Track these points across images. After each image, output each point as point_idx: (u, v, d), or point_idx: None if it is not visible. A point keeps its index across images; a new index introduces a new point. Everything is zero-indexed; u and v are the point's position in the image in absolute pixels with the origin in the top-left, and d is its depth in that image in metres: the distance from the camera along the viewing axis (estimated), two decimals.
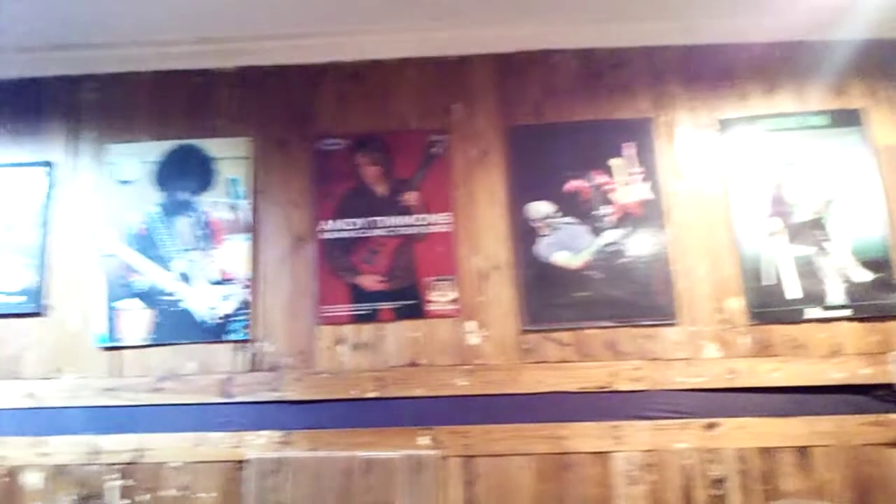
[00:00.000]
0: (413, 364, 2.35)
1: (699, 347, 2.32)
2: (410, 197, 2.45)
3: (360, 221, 2.45)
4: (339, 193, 2.47)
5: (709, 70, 2.53)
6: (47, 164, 2.53)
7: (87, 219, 2.50)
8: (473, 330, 2.37)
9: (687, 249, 2.39)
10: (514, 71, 2.55)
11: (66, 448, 2.32)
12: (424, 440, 2.27)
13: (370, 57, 2.56)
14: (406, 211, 2.44)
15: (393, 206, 2.45)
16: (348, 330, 2.39)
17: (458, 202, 2.45)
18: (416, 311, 2.38)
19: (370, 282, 2.40)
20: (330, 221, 2.45)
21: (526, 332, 2.35)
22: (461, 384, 2.30)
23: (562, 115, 2.50)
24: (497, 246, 2.42)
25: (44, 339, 2.42)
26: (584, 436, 2.25)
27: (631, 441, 2.25)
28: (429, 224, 2.43)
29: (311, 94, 2.56)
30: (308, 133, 2.53)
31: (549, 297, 2.35)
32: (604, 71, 2.54)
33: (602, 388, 2.29)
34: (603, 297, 2.35)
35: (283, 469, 2.25)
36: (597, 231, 2.40)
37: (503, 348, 2.35)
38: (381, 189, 2.47)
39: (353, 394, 2.32)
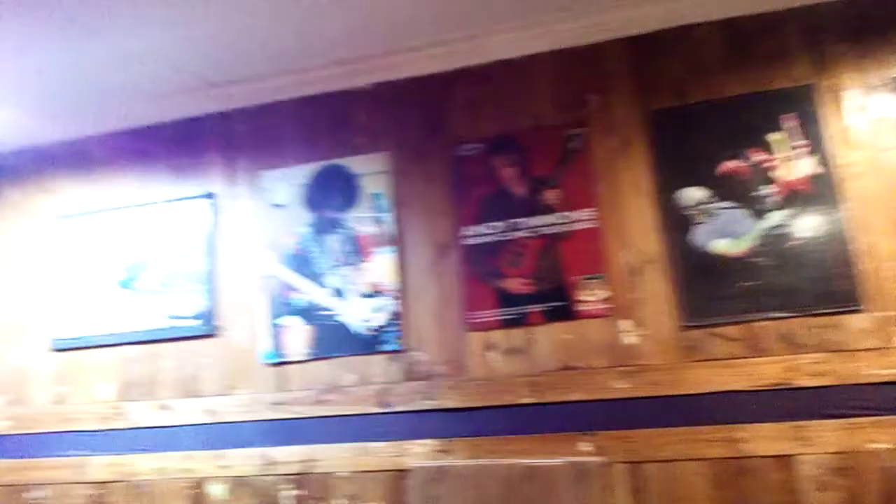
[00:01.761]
0: (567, 367, 2.27)
1: (890, 335, 2.05)
2: (551, 195, 2.38)
3: (501, 225, 2.41)
4: (479, 198, 2.45)
5: (877, 21, 2.24)
6: (210, 195, 2.72)
7: (248, 243, 2.66)
8: (629, 329, 2.25)
9: (868, 225, 2.12)
10: (651, 52, 2.40)
11: (244, 460, 2.47)
12: (586, 446, 2.19)
13: (499, 57, 2.52)
14: (547, 210, 2.37)
15: (534, 206, 2.39)
16: (497, 335, 2.36)
17: (601, 196, 2.35)
18: (566, 312, 2.30)
19: (516, 285, 2.36)
20: (471, 227, 2.43)
21: (687, 328, 2.19)
22: (620, 387, 2.19)
23: (709, 93, 2.32)
24: (647, 239, 2.29)
25: (218, 359, 2.60)
26: (762, 438, 2.06)
27: (818, 442, 2.02)
28: (572, 221, 2.34)
29: (444, 101, 2.57)
30: (443, 141, 2.53)
31: (710, 289, 2.19)
32: (752, 39, 2.33)
33: (779, 384, 2.08)
34: (772, 286, 2.14)
35: (445, 477, 2.26)
36: (759, 214, 2.19)
37: (663, 347, 2.21)
38: (520, 190, 2.42)
39: (508, 400, 2.28)
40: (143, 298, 2.71)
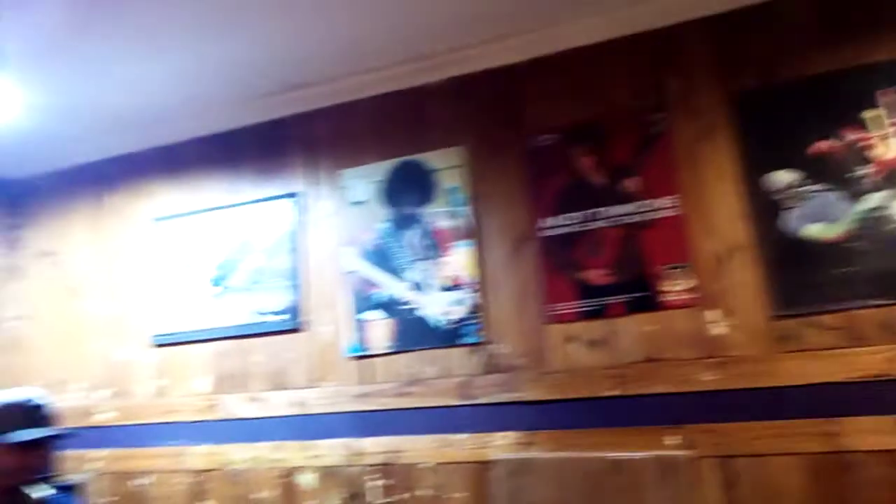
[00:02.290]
0: (652, 359, 2.22)
1: None
2: (631, 183, 2.33)
3: (579, 215, 2.38)
4: (556, 189, 2.42)
5: None
6: (293, 195, 2.81)
7: (330, 240, 2.74)
8: (716, 319, 2.18)
9: None
10: (732, 31, 2.30)
11: (332, 451, 2.55)
12: (673, 440, 2.13)
13: (574, 45, 2.48)
14: (627, 198, 2.32)
15: (613, 195, 2.35)
16: (578, 327, 2.33)
17: (684, 183, 2.28)
18: (648, 303, 2.25)
19: (596, 276, 2.32)
20: (549, 218, 2.41)
21: (779, 317, 2.10)
22: (708, 379, 2.13)
23: (797, 71, 2.21)
24: (734, 225, 2.20)
25: (304, 353, 2.69)
26: (864, 432, 1.95)
27: None
28: (654, 209, 2.29)
29: (518, 93, 2.55)
30: (518, 132, 2.52)
31: (803, 276, 2.09)
32: (845, 10, 2.19)
33: (880, 375, 1.97)
34: (872, 271, 2.02)
35: (528, 470, 2.25)
36: (855, 196, 2.08)
37: (753, 337, 2.12)
38: (598, 179, 2.38)
39: (590, 392, 2.25)
40: (233, 295, 2.83)
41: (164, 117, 2.98)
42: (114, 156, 3.19)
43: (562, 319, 2.35)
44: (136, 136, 3.11)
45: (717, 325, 2.17)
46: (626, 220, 2.32)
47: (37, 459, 1.90)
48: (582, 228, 2.37)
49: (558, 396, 2.30)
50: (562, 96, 2.49)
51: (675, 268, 2.23)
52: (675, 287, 2.22)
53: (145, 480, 2.82)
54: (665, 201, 2.28)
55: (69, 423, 2.75)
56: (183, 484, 2.75)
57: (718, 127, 2.27)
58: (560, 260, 2.38)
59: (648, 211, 2.29)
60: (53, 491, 2.04)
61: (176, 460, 2.78)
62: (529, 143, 2.49)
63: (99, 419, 2.95)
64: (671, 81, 2.35)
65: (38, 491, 1.98)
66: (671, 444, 2.13)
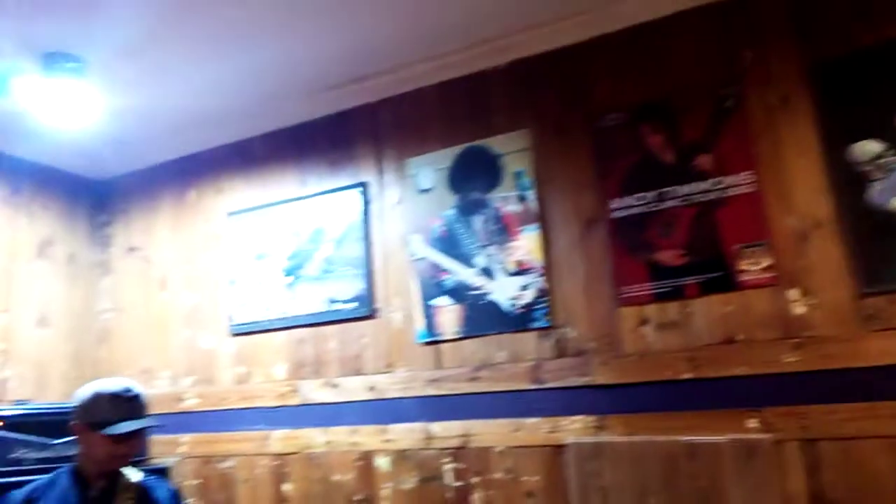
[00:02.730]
0: (729, 341, 2.15)
1: None
2: (703, 160, 2.26)
3: (649, 195, 2.33)
4: (624, 169, 2.38)
5: None
6: (362, 184, 2.86)
7: (398, 228, 2.77)
8: (797, 298, 2.09)
9: None
10: None
11: (405, 434, 2.59)
12: (753, 423, 2.07)
13: (642, 19, 2.41)
14: (700, 176, 2.26)
15: (684, 174, 2.28)
16: (651, 310, 2.29)
17: (760, 157, 2.19)
18: (725, 283, 2.18)
19: (669, 257, 2.27)
20: (618, 199, 2.37)
21: (865, 295, 2.00)
22: (789, 360, 2.05)
23: (882, 35, 2.08)
24: (815, 200, 2.11)
25: (376, 339, 2.74)
26: None
27: None
28: (728, 186, 2.21)
29: (584, 72, 2.51)
30: (584, 113, 2.48)
31: (890, 251, 1.98)
32: None
33: None
34: None
35: (602, 454, 2.23)
36: None
37: (837, 316, 2.03)
38: (668, 157, 2.32)
39: (665, 375, 2.21)
40: (306, 285, 2.91)
41: (236, 114, 3.08)
42: (191, 153, 3.33)
43: (634, 302, 2.30)
44: (211, 134, 3.23)
45: (798, 304, 2.08)
46: (699, 198, 2.25)
47: (130, 448, 2.02)
48: (653, 209, 2.31)
49: (631, 380, 2.26)
50: (628, 74, 2.43)
51: (753, 246, 2.16)
52: (753, 266, 2.15)
53: (229, 463, 2.95)
54: (740, 177, 2.20)
55: (159, 410, 2.90)
56: (265, 467, 2.86)
57: (796, 97, 2.17)
58: (631, 241, 2.33)
59: (722, 188, 2.22)
60: (146, 474, 2.16)
61: (258, 444, 2.89)
62: (596, 124, 2.45)
63: (185, 405, 3.10)
64: (745, 53, 2.26)
65: (134, 474, 2.10)
66: (751, 428, 2.06)
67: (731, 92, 2.25)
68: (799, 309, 2.08)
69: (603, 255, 2.38)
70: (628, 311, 2.32)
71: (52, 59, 2.46)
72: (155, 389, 3.12)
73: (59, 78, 2.48)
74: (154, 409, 2.19)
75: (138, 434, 2.02)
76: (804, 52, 2.18)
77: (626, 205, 2.36)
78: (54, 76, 2.47)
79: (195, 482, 3.01)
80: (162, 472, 2.74)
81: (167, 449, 3.04)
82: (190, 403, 3.09)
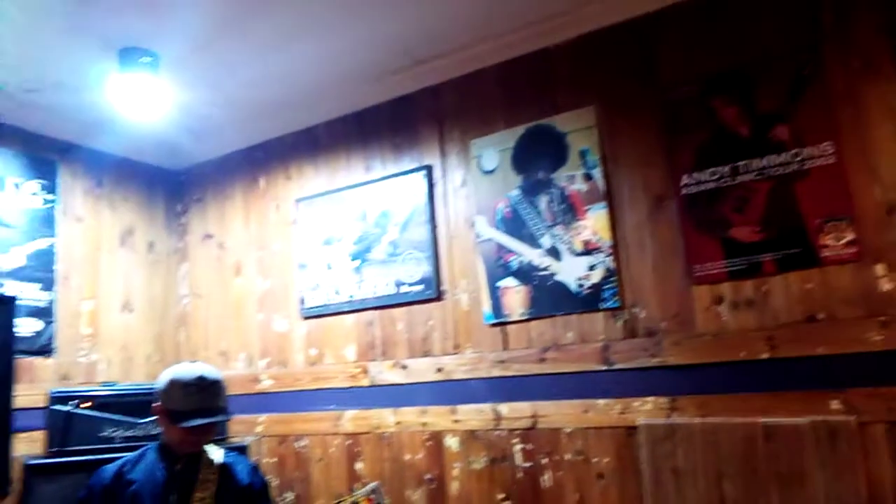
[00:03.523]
0: (809, 319, 2.07)
1: None
2: (780, 132, 2.16)
3: (722, 169, 2.24)
4: (695, 143, 2.30)
5: None
6: (426, 167, 2.87)
7: (463, 210, 2.77)
8: (883, 274, 1.98)
9: None
10: None
11: (474, 415, 2.61)
12: (835, 404, 1.98)
13: None
14: (777, 148, 2.16)
15: (760, 146, 2.19)
16: (725, 288, 2.21)
17: (843, 127, 2.08)
18: (804, 259, 2.09)
19: (744, 233, 2.19)
20: (689, 175, 2.30)
21: None
22: (876, 339, 1.95)
23: None
24: None
25: (443, 321, 2.75)
26: None
27: None
28: (807, 158, 2.11)
29: (650, 44, 2.44)
30: (652, 87, 2.41)
31: None
32: None
33: None
34: None
35: (676, 435, 2.19)
36: None
37: None
38: (743, 129, 2.23)
39: (742, 355, 2.14)
40: (373, 268, 2.95)
41: (302, 102, 3.14)
42: (260, 142, 3.42)
43: (707, 280, 2.24)
44: (278, 123, 3.30)
45: (884, 280, 1.98)
46: (777, 171, 2.16)
47: (202, 437, 2.11)
48: (726, 183, 2.23)
49: (704, 360, 2.20)
50: (698, 45, 2.34)
51: (835, 220, 2.05)
52: (836, 241, 2.05)
53: (304, 442, 3.03)
54: (820, 149, 2.09)
55: (237, 391, 3.01)
56: (338, 446, 2.93)
57: (881, 62, 2.04)
58: (703, 218, 2.26)
59: (801, 160, 2.12)
60: (227, 451, 2.25)
61: (331, 424, 2.96)
62: (664, 98, 2.37)
63: (261, 387, 3.20)
64: (824, 16, 2.14)
65: (216, 451, 2.20)
66: (834, 409, 1.98)
67: (811, 59, 2.13)
68: (885, 285, 1.97)
69: (674, 232, 2.32)
70: (701, 290, 2.25)
71: (128, 54, 2.56)
72: (232, 371, 3.24)
73: (135, 73, 2.58)
74: (232, 391, 2.28)
75: (209, 425, 2.09)
76: (889, 11, 2.04)
77: (697, 180, 2.28)
78: (130, 71, 2.57)
79: (272, 460, 3.11)
80: (240, 451, 2.85)
81: (245, 428, 3.16)
82: (266, 385, 3.20)
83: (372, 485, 2.18)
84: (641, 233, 2.38)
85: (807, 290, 2.08)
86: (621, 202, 2.43)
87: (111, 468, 2.13)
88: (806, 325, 2.06)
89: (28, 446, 2.73)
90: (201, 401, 2.05)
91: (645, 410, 2.28)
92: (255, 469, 2.27)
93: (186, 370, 2.12)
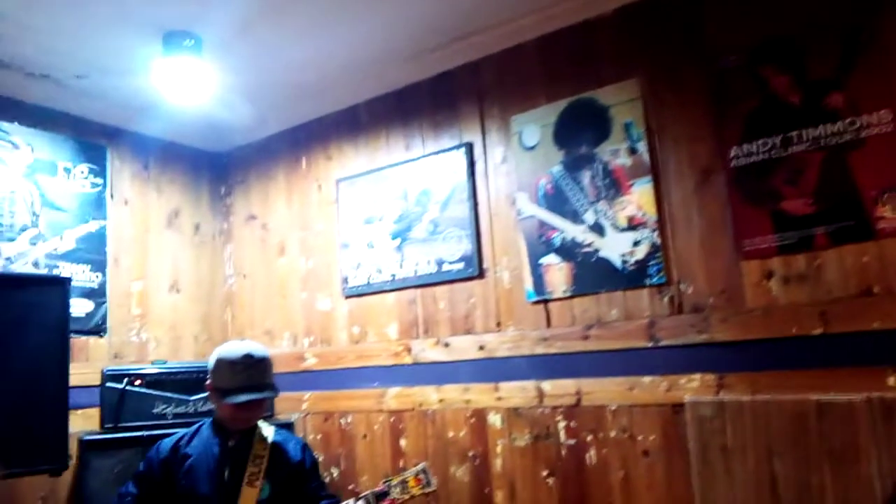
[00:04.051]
0: (865, 293, 2.00)
1: None
2: (834, 100, 2.08)
3: (773, 140, 2.18)
4: (744, 114, 2.23)
5: None
6: (467, 144, 2.85)
7: (505, 187, 2.75)
8: None
9: None
10: None
11: (517, 392, 2.61)
12: (892, 380, 1.92)
13: None
14: (830, 117, 2.08)
15: (812, 115, 2.11)
16: (775, 262, 2.16)
17: None
18: (859, 231, 2.02)
19: (795, 206, 2.13)
20: (737, 147, 2.24)
21: None
22: None
23: None
24: None
25: (485, 298, 2.75)
26: None
27: None
28: (863, 127, 2.03)
29: (696, 14, 2.36)
30: (698, 57, 2.34)
31: None
32: None
33: None
34: None
35: (724, 412, 2.15)
36: None
37: None
38: (794, 98, 2.15)
39: (793, 332, 2.09)
40: (414, 246, 2.96)
41: (342, 83, 3.14)
42: (301, 123, 3.44)
43: (757, 255, 2.18)
44: (318, 104, 3.32)
45: None
46: (830, 141, 2.08)
47: (250, 413, 2.17)
48: (777, 155, 2.17)
49: (754, 336, 2.15)
50: (747, 12, 2.27)
51: (892, 191, 1.98)
52: (893, 213, 1.97)
53: (349, 419, 3.08)
54: (877, 116, 2.01)
55: (283, 369, 3.06)
56: (382, 423, 2.97)
57: None
58: (753, 191, 2.20)
59: (856, 129, 2.04)
60: (277, 429, 2.30)
61: (374, 401, 2.99)
62: (711, 68, 2.31)
63: (306, 365, 3.25)
64: None
65: (267, 428, 2.25)
66: (889, 386, 1.92)
67: (867, 21, 2.04)
68: None
69: (722, 206, 2.26)
70: (750, 265, 2.20)
71: (172, 38, 2.60)
72: (277, 349, 3.29)
73: (179, 56, 2.61)
74: (277, 369, 2.32)
75: (257, 401, 2.14)
76: None
77: (747, 152, 2.22)
78: (174, 55, 2.61)
79: (317, 437, 3.17)
80: (289, 427, 2.91)
81: (291, 406, 3.22)
82: (310, 363, 3.24)
83: (420, 465, 2.20)
84: (688, 207, 2.33)
85: (862, 263, 2.02)
86: (667, 176, 2.38)
87: (168, 442, 2.20)
88: (861, 299, 2.00)
89: (84, 422, 2.83)
90: (248, 378, 2.10)
91: (692, 388, 2.24)
92: (305, 446, 2.32)
93: (234, 348, 2.16)
